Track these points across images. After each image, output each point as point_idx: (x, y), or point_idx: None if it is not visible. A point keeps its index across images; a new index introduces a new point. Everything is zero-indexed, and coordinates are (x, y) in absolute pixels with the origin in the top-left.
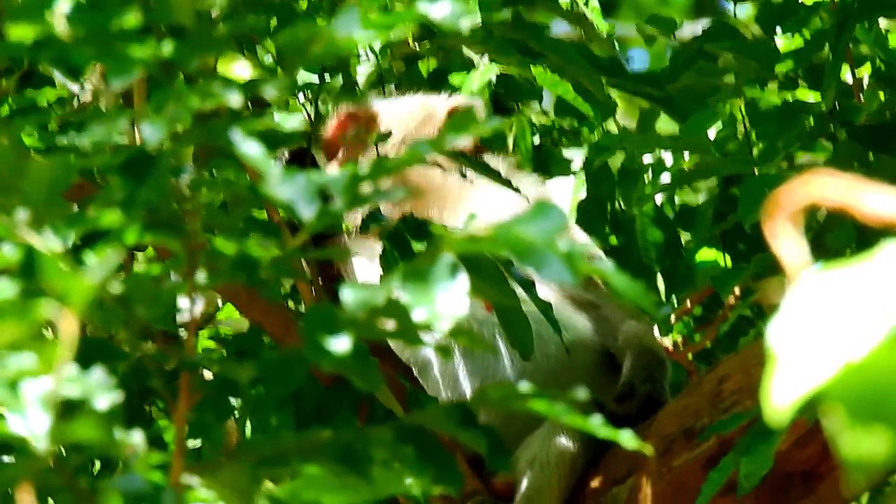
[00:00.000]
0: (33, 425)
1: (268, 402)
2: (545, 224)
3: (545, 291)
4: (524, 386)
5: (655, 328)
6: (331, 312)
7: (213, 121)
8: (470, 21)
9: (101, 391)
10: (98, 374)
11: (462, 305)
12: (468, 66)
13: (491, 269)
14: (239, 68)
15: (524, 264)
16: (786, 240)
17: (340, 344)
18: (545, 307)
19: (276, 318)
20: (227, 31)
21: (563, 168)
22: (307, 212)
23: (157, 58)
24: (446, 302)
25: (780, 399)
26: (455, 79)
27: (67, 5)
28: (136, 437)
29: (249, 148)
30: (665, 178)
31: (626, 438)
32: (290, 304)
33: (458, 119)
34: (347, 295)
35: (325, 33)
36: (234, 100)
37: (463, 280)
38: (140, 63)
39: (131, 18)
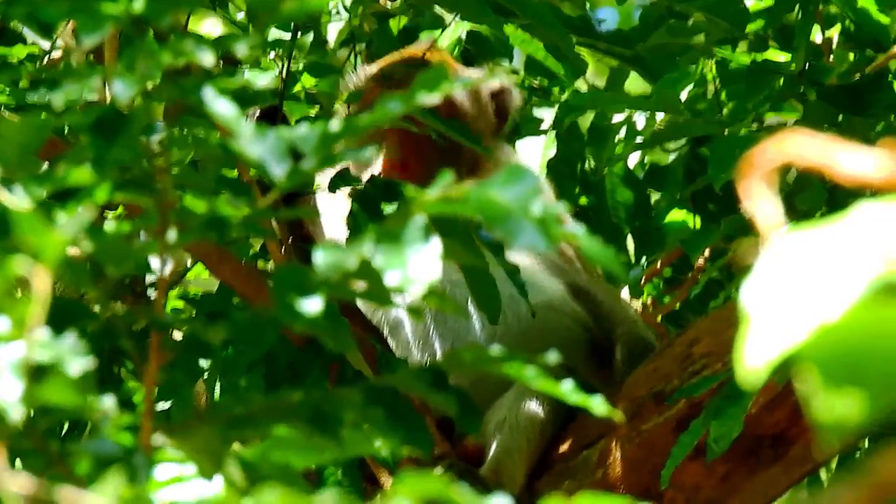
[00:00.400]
0: (6, 391)
1: (239, 363)
2: (519, 188)
3: (524, 258)
4: (495, 349)
5: (625, 289)
6: (302, 273)
7: (185, 78)
8: None
9: (74, 356)
10: (70, 338)
11: (435, 269)
12: (439, 23)
13: (460, 230)
14: (209, 25)
15: (497, 231)
16: (760, 200)
17: (312, 305)
18: (512, 270)
19: (245, 278)
20: None
21: (534, 128)
22: (278, 170)
23: (128, 14)
24: (419, 265)
25: (753, 361)
26: (426, 37)
27: None
28: (108, 401)
29: (221, 106)
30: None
31: (597, 405)
32: (260, 263)
33: (429, 77)
34: (320, 256)
35: None
36: (206, 58)
37: (436, 243)
38: (111, 19)
39: None
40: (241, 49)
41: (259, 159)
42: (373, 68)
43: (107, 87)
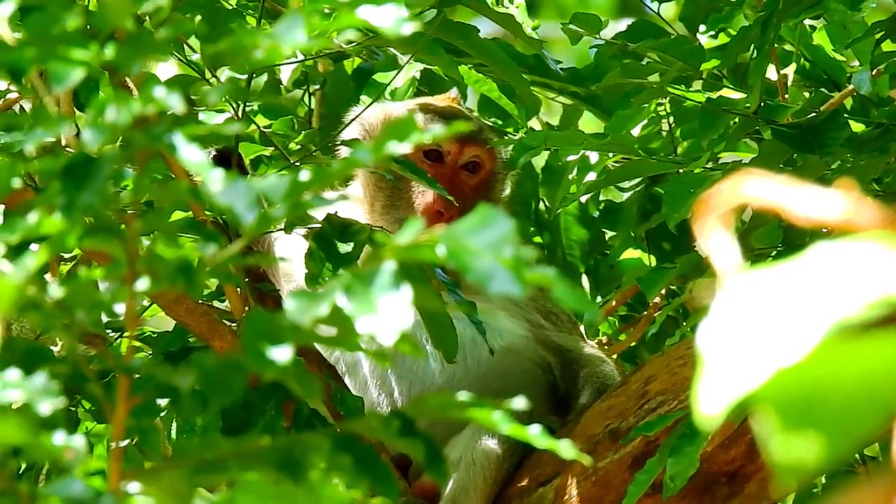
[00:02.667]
0: None
1: (208, 409)
2: (491, 233)
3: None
4: (462, 395)
5: (581, 328)
6: (272, 321)
7: (153, 125)
8: (411, 27)
9: (44, 395)
10: (40, 378)
11: (406, 316)
12: (393, 64)
13: (415, 269)
14: (162, 67)
15: (471, 277)
16: (716, 240)
17: (282, 354)
18: (468, 308)
19: (200, 318)
20: (166, 35)
21: None
22: (248, 217)
23: (99, 61)
24: (390, 312)
25: (709, 404)
26: (381, 78)
27: (10, 8)
28: (78, 442)
29: (191, 153)
30: (590, 176)
31: (565, 448)
32: (216, 303)
33: (398, 126)
34: (291, 303)
35: (269, 41)
36: (177, 105)
37: (406, 290)
38: (83, 65)
39: (73, 21)
40: (212, 98)
41: (228, 205)
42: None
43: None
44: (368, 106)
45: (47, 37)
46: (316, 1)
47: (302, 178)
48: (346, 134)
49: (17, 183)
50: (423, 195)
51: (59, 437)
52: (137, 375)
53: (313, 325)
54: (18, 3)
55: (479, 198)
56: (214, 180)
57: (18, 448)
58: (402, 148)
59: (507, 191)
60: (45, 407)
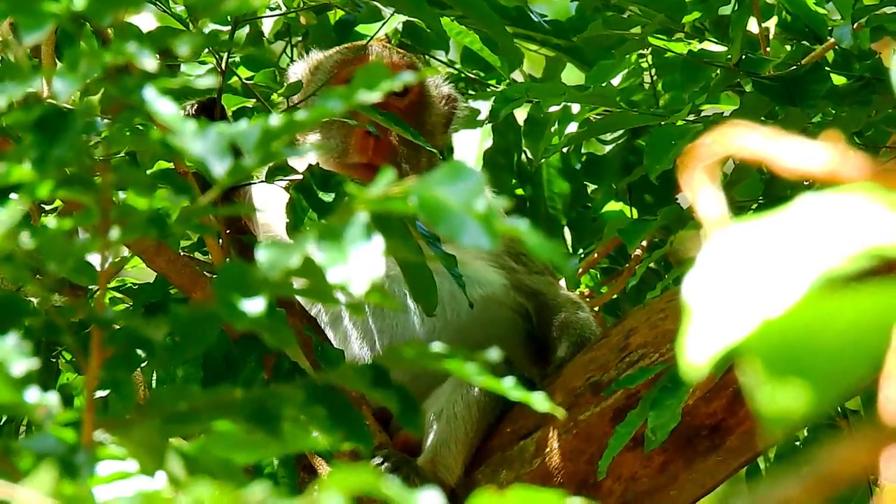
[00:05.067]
0: None
1: (179, 358)
2: (462, 186)
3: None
4: (436, 346)
5: (563, 280)
6: (244, 272)
7: (126, 77)
8: None
9: (17, 356)
10: (12, 339)
11: (377, 266)
12: (375, 17)
13: (397, 223)
14: (143, 18)
15: (441, 229)
16: (701, 192)
17: (254, 305)
18: (449, 261)
19: (182, 270)
20: None
21: (470, 119)
22: (219, 167)
23: (70, 12)
24: (361, 262)
25: (695, 355)
26: (363, 30)
27: None
28: (51, 399)
29: (163, 106)
30: (571, 128)
31: (538, 401)
32: (197, 254)
33: (369, 73)
34: (262, 255)
35: None
36: (147, 60)
37: (378, 240)
38: (53, 17)
39: None
40: (184, 49)
41: (200, 156)
42: (333, 54)
43: (44, 85)
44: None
45: None
46: None
47: (272, 126)
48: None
49: None
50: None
51: (32, 395)
52: (113, 327)
53: (285, 277)
54: None
55: (411, 121)
56: (186, 130)
57: None
58: (372, 97)
59: (453, 123)
60: (19, 367)
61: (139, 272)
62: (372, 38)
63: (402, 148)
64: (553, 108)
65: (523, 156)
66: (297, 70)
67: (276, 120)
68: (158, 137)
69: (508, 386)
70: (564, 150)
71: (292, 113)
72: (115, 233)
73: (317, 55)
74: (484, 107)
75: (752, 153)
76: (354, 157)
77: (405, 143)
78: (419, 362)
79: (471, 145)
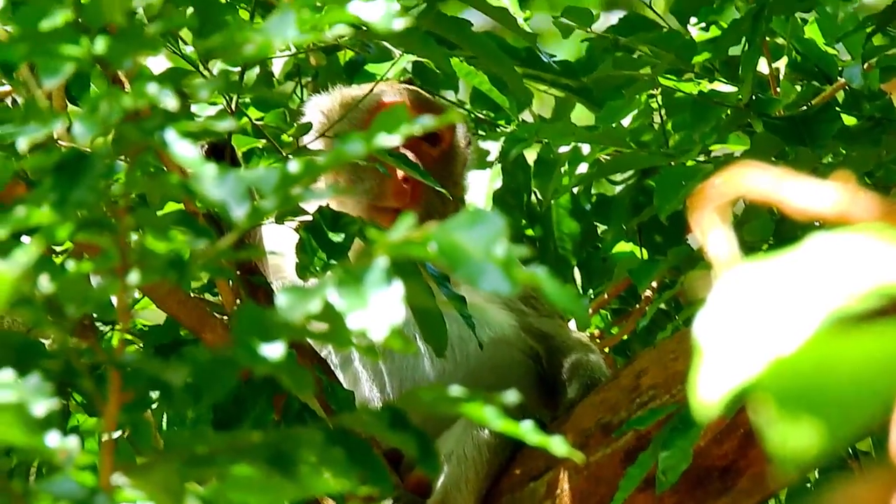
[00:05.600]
0: None
1: (198, 403)
2: (482, 231)
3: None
4: (454, 389)
5: (573, 323)
6: (263, 316)
7: (145, 119)
8: (402, 22)
9: (38, 396)
10: (34, 379)
11: (398, 312)
12: (385, 56)
13: (408, 264)
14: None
15: (461, 275)
16: (712, 232)
17: (274, 349)
18: (458, 302)
19: (192, 311)
20: (157, 29)
21: (479, 160)
22: (239, 211)
23: (90, 56)
24: (381, 308)
25: (707, 394)
26: (373, 70)
27: (0, 3)
28: (71, 442)
29: (183, 148)
30: (581, 168)
31: (556, 445)
32: (207, 295)
33: (387, 117)
34: (282, 299)
35: (260, 36)
36: (168, 101)
37: (398, 286)
38: (73, 61)
39: (64, 16)
40: (203, 94)
41: (221, 201)
42: (353, 92)
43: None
44: (362, 98)
45: (38, 32)
46: None
47: (292, 170)
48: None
49: (7, 178)
50: (390, 166)
51: (52, 438)
52: (129, 369)
53: (305, 321)
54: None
55: (441, 170)
56: (206, 174)
57: (11, 447)
58: (392, 139)
59: (473, 170)
60: (39, 409)
61: (148, 312)
62: (382, 78)
63: (433, 195)
64: (563, 149)
65: (533, 196)
66: (323, 104)
67: (294, 165)
68: (178, 181)
69: (526, 429)
70: (574, 190)
71: (312, 156)
72: (134, 276)
73: (349, 91)
74: (493, 147)
75: (762, 194)
76: (390, 202)
77: (436, 190)
78: (436, 406)
79: (480, 185)
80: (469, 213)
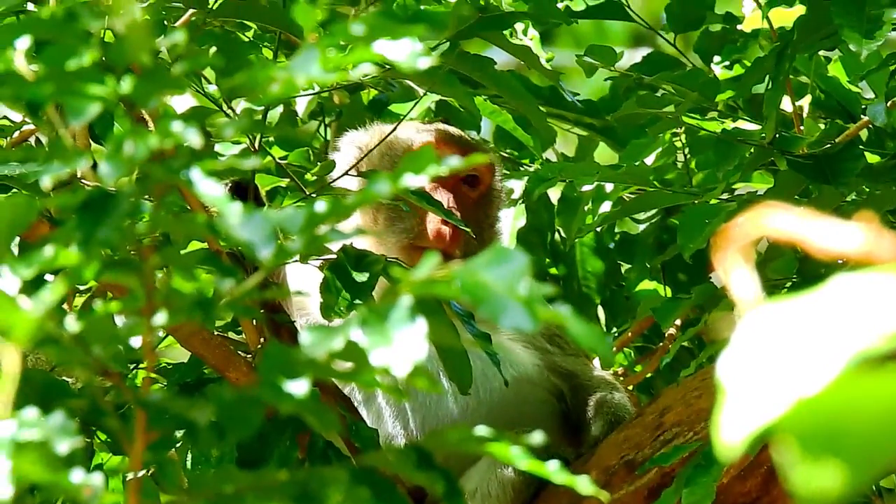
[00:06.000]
0: None
1: (223, 442)
2: (505, 269)
3: (506, 333)
4: (480, 429)
5: (597, 361)
6: (288, 354)
7: (170, 159)
8: (427, 61)
9: (62, 435)
10: (58, 417)
11: (421, 349)
12: (409, 96)
13: (430, 301)
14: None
15: (484, 311)
16: (736, 273)
17: (299, 387)
18: (484, 339)
19: (216, 350)
20: (183, 68)
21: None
22: (266, 251)
23: (116, 95)
24: (405, 345)
25: (730, 434)
26: (397, 109)
27: (27, 43)
28: (96, 479)
29: (208, 187)
30: (605, 207)
31: (583, 485)
32: (231, 334)
33: (415, 157)
34: (306, 337)
35: (284, 75)
36: (194, 139)
37: (421, 323)
38: (99, 101)
39: (89, 56)
40: (229, 132)
41: (247, 241)
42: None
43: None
44: (390, 132)
45: (64, 71)
46: (332, 35)
47: (318, 210)
48: (341, 157)
49: (33, 217)
50: (428, 212)
51: (77, 475)
52: (154, 408)
53: (329, 359)
54: (35, 38)
55: (480, 212)
56: (232, 214)
57: (36, 485)
58: (419, 180)
59: (503, 208)
60: (63, 446)
61: (171, 350)
62: (405, 117)
63: (470, 237)
64: (586, 188)
65: (556, 235)
66: (360, 140)
67: (321, 205)
68: (204, 220)
69: (553, 470)
70: (598, 229)
71: (338, 196)
72: (160, 317)
73: (386, 128)
74: (517, 186)
75: (785, 234)
76: (429, 243)
77: (473, 231)
78: (462, 446)
79: (504, 224)
80: (493, 251)
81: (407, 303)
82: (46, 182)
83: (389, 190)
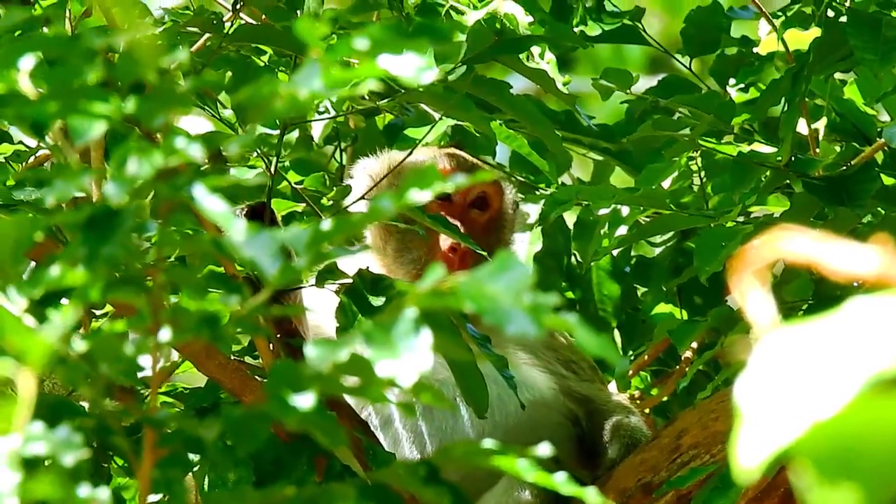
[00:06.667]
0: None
1: (231, 458)
2: (509, 278)
3: (521, 357)
4: (488, 443)
5: (613, 382)
6: (294, 369)
7: (176, 177)
8: (431, 75)
9: (67, 448)
10: (63, 431)
11: (426, 360)
12: (425, 120)
13: (446, 323)
14: (192, 121)
15: (488, 319)
16: (752, 296)
17: (305, 401)
18: (500, 362)
19: (233, 374)
20: (188, 87)
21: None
22: (271, 269)
23: (120, 114)
24: (410, 356)
25: (747, 458)
26: (412, 133)
27: (31, 62)
28: (102, 494)
29: (213, 204)
30: (621, 230)
31: (591, 496)
32: (248, 359)
33: (419, 175)
34: (311, 350)
35: (286, 89)
36: (196, 154)
37: (426, 334)
38: (103, 119)
39: (94, 75)
40: (233, 148)
41: (252, 258)
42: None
43: (93, 185)
44: (403, 160)
45: (68, 90)
46: (335, 50)
47: (324, 228)
48: (353, 185)
49: (39, 237)
50: (437, 235)
51: (83, 490)
52: (165, 429)
53: (335, 372)
54: (40, 57)
55: (490, 236)
56: (238, 232)
57: (45, 502)
58: (423, 196)
59: (517, 233)
60: (69, 459)
61: (189, 376)
62: (420, 141)
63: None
64: (602, 212)
65: (573, 259)
66: (371, 167)
67: (327, 223)
68: (210, 239)
69: (560, 481)
70: (614, 252)
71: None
72: (166, 334)
73: (397, 156)
74: (533, 210)
75: (801, 257)
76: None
77: (484, 256)
78: (471, 460)
79: (521, 248)
80: (496, 261)
81: (412, 315)
82: (49, 200)
83: (394, 206)
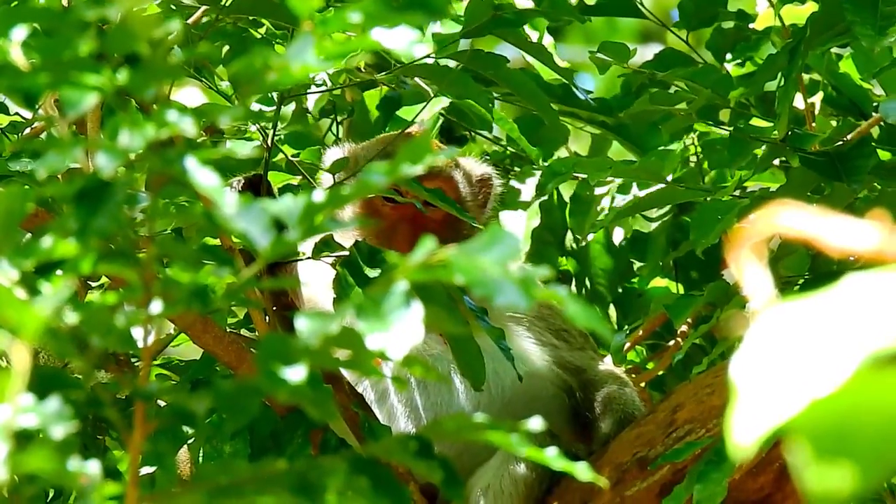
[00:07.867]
0: None
1: (223, 431)
2: (499, 250)
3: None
4: (479, 417)
5: (608, 358)
6: (286, 341)
7: (168, 149)
8: (424, 49)
9: (57, 420)
10: (54, 403)
11: (417, 333)
12: (420, 97)
13: (442, 297)
14: (189, 94)
15: (478, 291)
16: (749, 272)
17: (296, 373)
18: (497, 335)
19: (229, 347)
20: (181, 59)
21: (513, 199)
22: (262, 241)
23: (112, 86)
24: (401, 329)
25: (742, 435)
26: (406, 112)
27: (23, 33)
28: (92, 467)
29: (204, 177)
30: (619, 202)
31: (581, 470)
32: (244, 331)
33: (412, 148)
34: (301, 323)
35: (279, 62)
36: (189, 128)
37: (417, 307)
38: (95, 91)
39: (86, 46)
40: (225, 120)
41: (244, 230)
42: (371, 143)
43: (89, 157)
44: (393, 139)
45: (60, 62)
46: (327, 23)
47: (316, 200)
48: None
49: (30, 208)
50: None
51: (72, 463)
52: (158, 401)
53: (325, 345)
54: (34, 27)
55: (450, 231)
56: (228, 203)
57: (34, 474)
58: (416, 169)
59: (489, 214)
60: (58, 431)
61: (186, 349)
62: (415, 118)
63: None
64: (599, 190)
65: (570, 234)
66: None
67: (319, 194)
68: (202, 211)
69: (551, 456)
70: (614, 230)
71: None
72: (157, 306)
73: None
74: (530, 184)
75: (797, 231)
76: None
77: (449, 226)
78: (462, 434)
79: (518, 224)
80: (487, 234)
81: (402, 287)
82: (41, 172)
83: (387, 179)
